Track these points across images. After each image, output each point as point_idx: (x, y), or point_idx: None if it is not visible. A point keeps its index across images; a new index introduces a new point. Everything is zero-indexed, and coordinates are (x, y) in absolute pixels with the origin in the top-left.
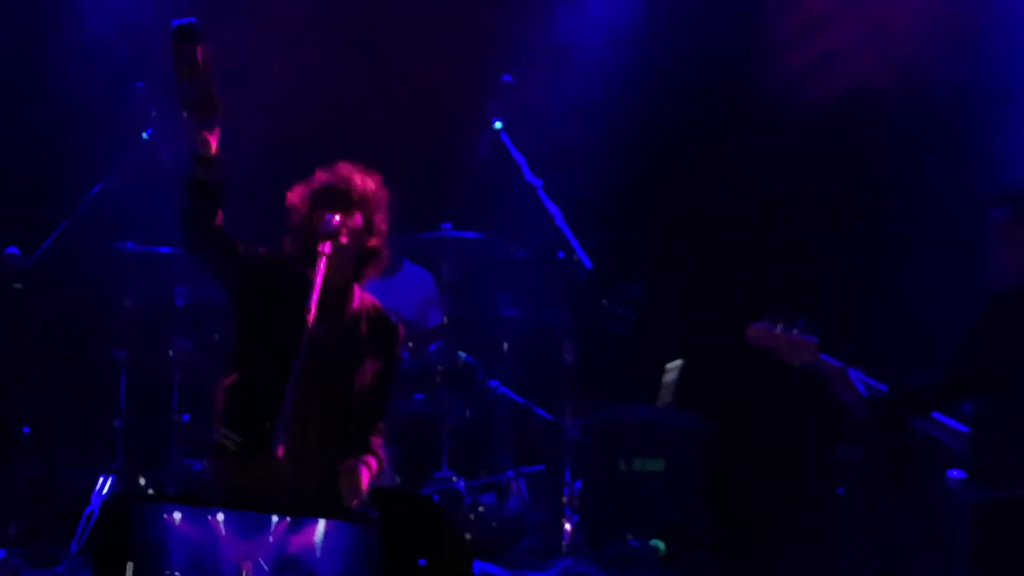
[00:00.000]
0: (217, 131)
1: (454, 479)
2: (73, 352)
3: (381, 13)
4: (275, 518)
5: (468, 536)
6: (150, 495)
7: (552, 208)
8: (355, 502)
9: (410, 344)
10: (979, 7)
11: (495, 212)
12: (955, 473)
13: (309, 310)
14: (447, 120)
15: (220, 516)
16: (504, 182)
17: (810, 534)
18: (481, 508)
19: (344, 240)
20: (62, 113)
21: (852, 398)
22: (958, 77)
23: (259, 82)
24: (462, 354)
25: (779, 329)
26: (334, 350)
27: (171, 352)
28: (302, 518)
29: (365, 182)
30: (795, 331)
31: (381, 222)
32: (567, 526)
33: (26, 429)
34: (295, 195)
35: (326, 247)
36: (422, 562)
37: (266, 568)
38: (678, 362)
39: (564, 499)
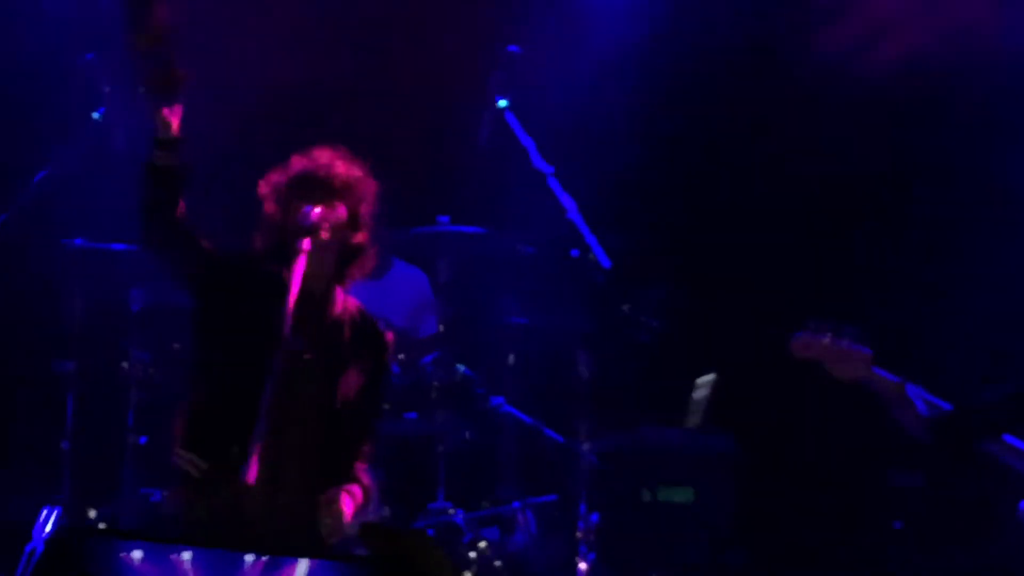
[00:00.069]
0: (179, 109)
1: (452, 511)
2: (11, 364)
3: None
4: (250, 557)
5: None
6: (103, 530)
7: (565, 199)
8: (338, 537)
9: (401, 355)
10: None
11: (499, 204)
12: None
13: (284, 316)
14: (443, 98)
15: (186, 555)
16: (509, 169)
17: (861, 574)
18: (483, 544)
19: (325, 236)
20: None
21: (910, 418)
22: None
23: (228, 53)
24: (461, 367)
25: (827, 339)
26: (313, 362)
27: (126, 364)
28: (281, 557)
29: (349, 169)
30: (845, 341)
31: (367, 215)
32: (582, 565)
33: None
34: (268, 184)
35: (304, 244)
36: None
37: None
38: (710, 377)
39: (579, 534)
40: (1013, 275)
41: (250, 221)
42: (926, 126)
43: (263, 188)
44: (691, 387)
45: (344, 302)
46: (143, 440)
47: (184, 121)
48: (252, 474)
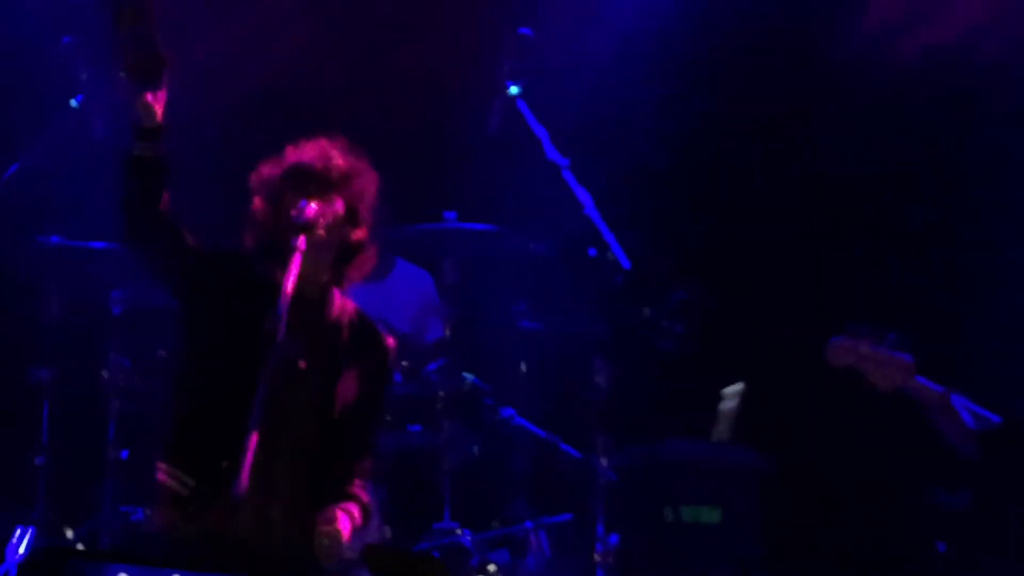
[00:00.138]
0: (163, 96)
1: (459, 532)
2: None
3: None
4: None
5: None
6: (82, 551)
7: (581, 194)
8: (335, 560)
9: (404, 363)
10: None
11: (509, 199)
12: None
13: (278, 320)
14: (450, 85)
15: None
16: (521, 162)
17: None
18: (492, 568)
19: (322, 233)
20: None
21: (956, 431)
22: None
23: (217, 34)
24: (468, 376)
25: (866, 346)
26: (308, 370)
27: (106, 372)
28: None
29: (348, 161)
30: (885, 348)
31: (368, 211)
32: None
33: None
34: (260, 177)
35: (299, 242)
36: None
37: None
38: (738, 387)
39: (596, 557)
40: None
41: (240, 217)
42: (975, 115)
43: (254, 181)
44: (718, 398)
45: (342, 305)
46: (124, 454)
47: (169, 108)
48: (243, 491)
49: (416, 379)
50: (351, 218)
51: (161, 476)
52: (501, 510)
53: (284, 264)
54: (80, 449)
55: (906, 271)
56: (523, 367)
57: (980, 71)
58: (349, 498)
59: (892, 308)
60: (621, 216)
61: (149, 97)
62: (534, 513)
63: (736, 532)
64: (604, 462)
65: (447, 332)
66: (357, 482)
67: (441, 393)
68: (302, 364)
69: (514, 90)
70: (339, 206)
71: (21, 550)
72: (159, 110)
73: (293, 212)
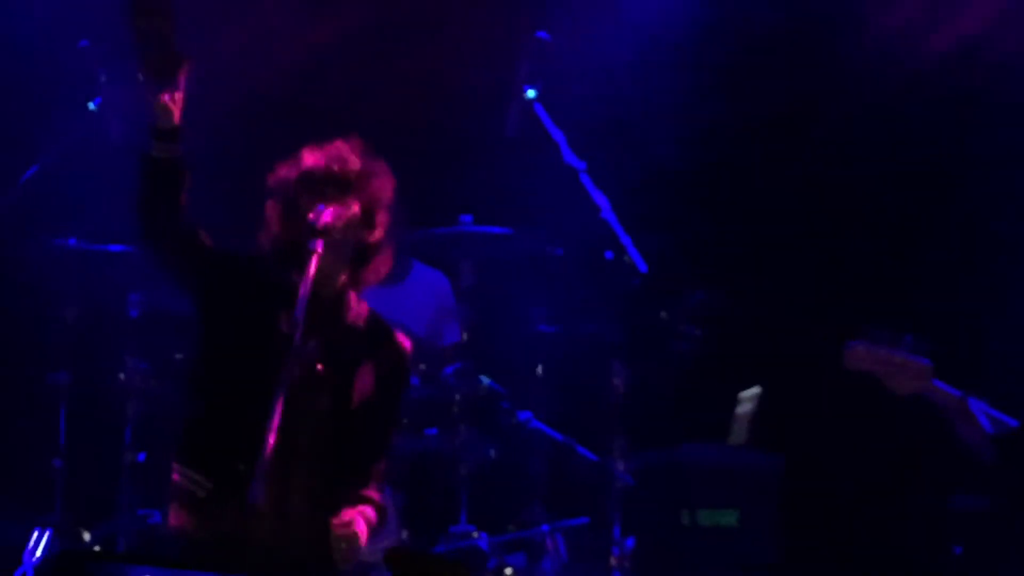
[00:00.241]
0: (180, 96)
1: (475, 535)
2: (1, 375)
3: None
4: None
5: None
6: (99, 553)
7: (598, 197)
8: (352, 563)
9: (421, 366)
10: None
11: (526, 202)
12: None
13: (294, 323)
14: (466, 88)
15: None
16: (538, 165)
17: None
18: (509, 571)
19: (338, 236)
20: None
21: (974, 435)
22: None
23: (235, 35)
24: (485, 379)
25: (883, 349)
26: (325, 373)
27: (123, 375)
28: None
29: (365, 164)
30: (903, 352)
31: (384, 214)
32: None
33: None
34: (276, 179)
35: (316, 245)
36: None
37: None
38: (755, 390)
39: (613, 560)
40: None
41: (257, 219)
42: (992, 115)
43: (271, 183)
44: (735, 401)
45: (358, 308)
46: (141, 457)
47: (186, 109)
48: (259, 493)
49: (433, 382)
50: (367, 221)
51: (177, 478)
52: (518, 513)
53: (300, 267)
54: (97, 452)
55: (924, 274)
56: (540, 370)
57: (1000, 69)
58: (364, 500)
59: (909, 312)
60: (638, 219)
61: (166, 98)
62: (551, 516)
63: (753, 535)
64: (621, 465)
65: (464, 335)
66: (373, 484)
67: (458, 396)
68: (319, 367)
69: (531, 93)
70: (355, 209)
71: (38, 553)
72: (176, 111)
73: (311, 216)
